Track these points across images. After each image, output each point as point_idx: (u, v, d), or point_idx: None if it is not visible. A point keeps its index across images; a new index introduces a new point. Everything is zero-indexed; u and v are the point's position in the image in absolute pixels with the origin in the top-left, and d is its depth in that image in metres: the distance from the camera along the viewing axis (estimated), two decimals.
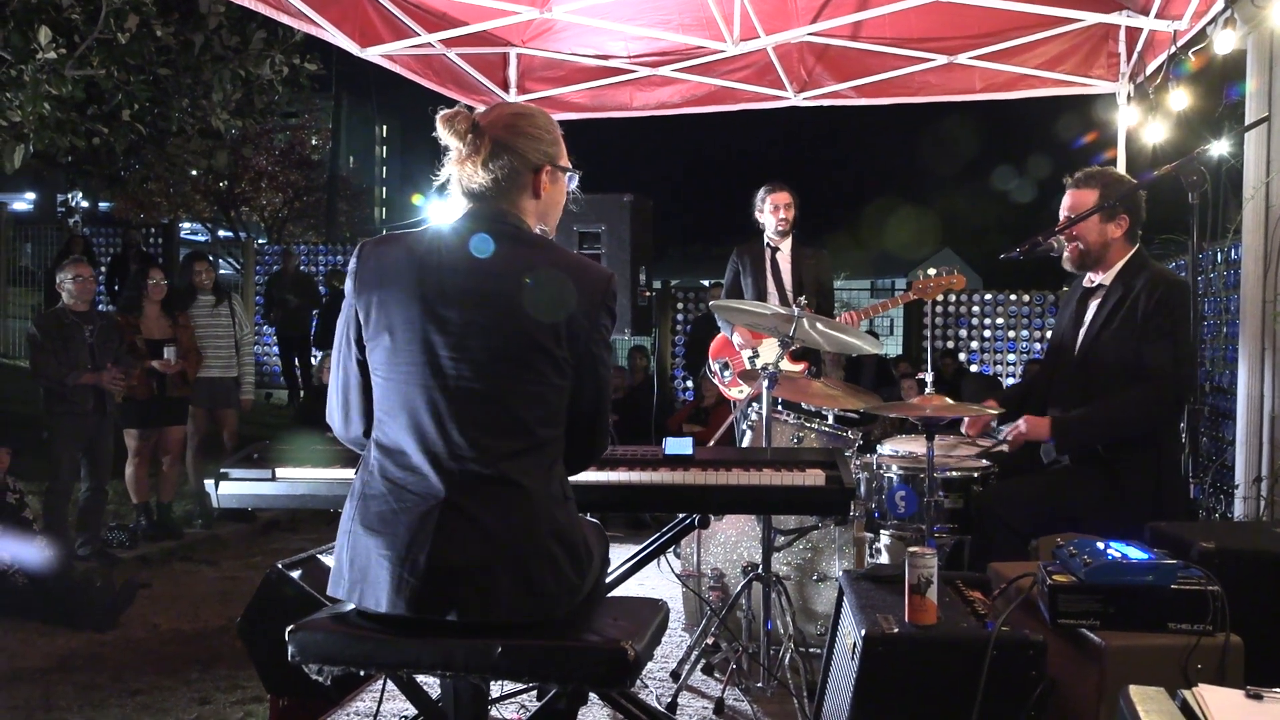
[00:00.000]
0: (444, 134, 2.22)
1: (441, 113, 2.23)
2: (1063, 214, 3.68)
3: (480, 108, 2.35)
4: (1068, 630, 2.39)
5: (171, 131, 9.69)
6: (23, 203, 28.42)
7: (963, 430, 4.01)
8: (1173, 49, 5.09)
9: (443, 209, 2.33)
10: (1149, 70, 5.69)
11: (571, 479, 2.31)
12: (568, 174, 2.36)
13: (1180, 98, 5.29)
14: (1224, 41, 4.68)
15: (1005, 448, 3.80)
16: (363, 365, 2.23)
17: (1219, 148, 4.65)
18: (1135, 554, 2.42)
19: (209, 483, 2.90)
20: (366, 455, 2.23)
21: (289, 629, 2.21)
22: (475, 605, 2.08)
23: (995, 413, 3.67)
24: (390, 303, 2.15)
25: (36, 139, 7.80)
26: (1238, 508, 4.84)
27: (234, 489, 2.88)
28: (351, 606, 2.24)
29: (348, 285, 2.24)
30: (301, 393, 12.34)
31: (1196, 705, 1.68)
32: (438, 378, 2.11)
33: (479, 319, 2.11)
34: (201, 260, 7.43)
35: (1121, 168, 5.98)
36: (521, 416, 2.12)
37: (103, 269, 12.94)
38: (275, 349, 13.35)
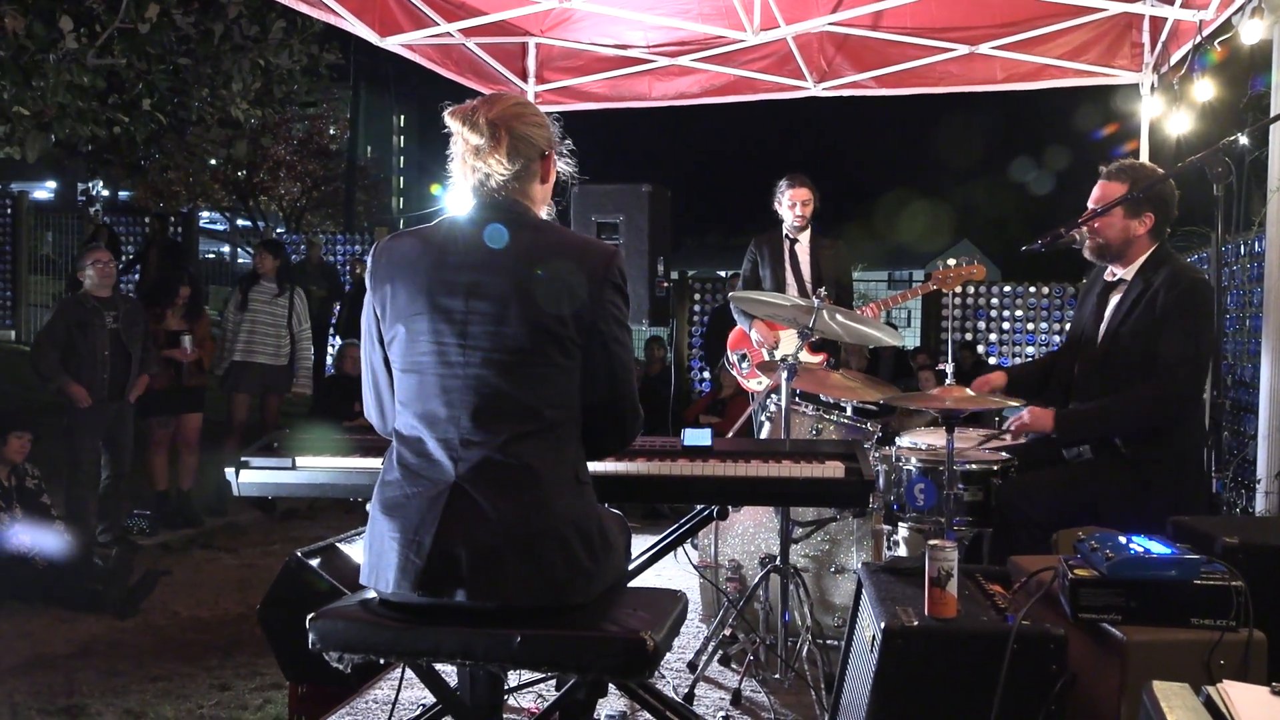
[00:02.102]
0: (462, 130, 2.23)
1: (453, 108, 2.25)
2: (1090, 204, 3.65)
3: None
4: (1089, 625, 2.38)
5: (191, 120, 9.73)
6: (43, 191, 28.61)
7: (1006, 438, 3.93)
8: (1198, 39, 5.03)
9: (457, 199, 2.34)
10: (1173, 60, 5.64)
11: (590, 469, 2.31)
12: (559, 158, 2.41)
13: (1205, 88, 5.23)
14: (1251, 31, 4.63)
15: (1008, 438, 3.77)
16: (387, 361, 2.29)
17: (1244, 140, 4.59)
18: (1158, 548, 2.40)
19: (229, 471, 2.91)
20: (390, 446, 2.27)
21: (309, 617, 2.22)
22: (482, 587, 2.09)
23: (1016, 404, 3.64)
24: (401, 296, 2.20)
25: (58, 128, 7.84)
26: (1259, 502, 4.81)
27: (254, 477, 2.89)
28: (372, 595, 2.27)
29: (367, 283, 2.29)
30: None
31: (1221, 701, 1.67)
32: (447, 366, 2.16)
33: (481, 306, 2.15)
34: (263, 247, 7.60)
35: (1145, 159, 5.92)
36: (529, 400, 2.15)
37: (128, 257, 12.98)
38: None
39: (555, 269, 2.16)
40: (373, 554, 2.20)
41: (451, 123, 2.24)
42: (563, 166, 2.41)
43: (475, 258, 2.18)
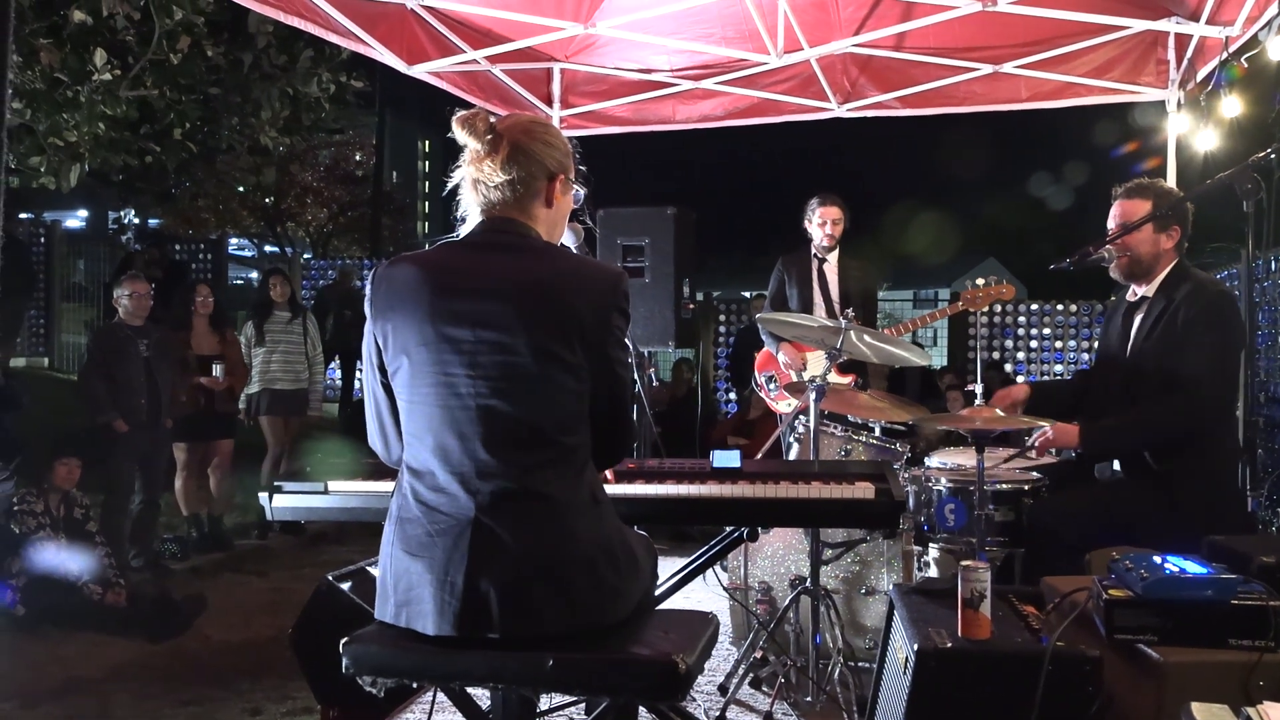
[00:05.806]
0: (461, 134, 2.22)
1: (459, 114, 2.23)
2: (1111, 224, 3.64)
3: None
4: (1125, 646, 2.35)
5: (221, 149, 9.88)
6: (75, 220, 28.99)
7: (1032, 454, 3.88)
8: (1224, 55, 5.01)
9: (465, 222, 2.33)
10: (1199, 77, 5.61)
11: (621, 491, 2.30)
12: (574, 190, 2.37)
13: (1232, 105, 5.21)
14: (1278, 47, 4.61)
15: (1033, 454, 3.74)
16: (389, 389, 2.24)
17: (1275, 155, 4.56)
18: (1193, 568, 2.38)
19: (263, 495, 2.94)
20: (400, 478, 2.23)
21: (343, 641, 2.22)
22: (515, 623, 2.08)
23: (1046, 424, 3.62)
24: (404, 326, 2.16)
25: (91, 158, 7.97)
26: None
27: (288, 502, 2.92)
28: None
29: (366, 311, 2.24)
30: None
31: None
32: (456, 397, 2.11)
33: (488, 335, 2.10)
34: (277, 275, 7.72)
35: (1171, 176, 5.89)
36: (542, 427, 2.12)
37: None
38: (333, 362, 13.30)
39: (561, 295, 2.13)
40: (399, 593, 2.16)
41: (455, 128, 2.23)
42: (576, 196, 2.38)
43: (479, 284, 2.14)
